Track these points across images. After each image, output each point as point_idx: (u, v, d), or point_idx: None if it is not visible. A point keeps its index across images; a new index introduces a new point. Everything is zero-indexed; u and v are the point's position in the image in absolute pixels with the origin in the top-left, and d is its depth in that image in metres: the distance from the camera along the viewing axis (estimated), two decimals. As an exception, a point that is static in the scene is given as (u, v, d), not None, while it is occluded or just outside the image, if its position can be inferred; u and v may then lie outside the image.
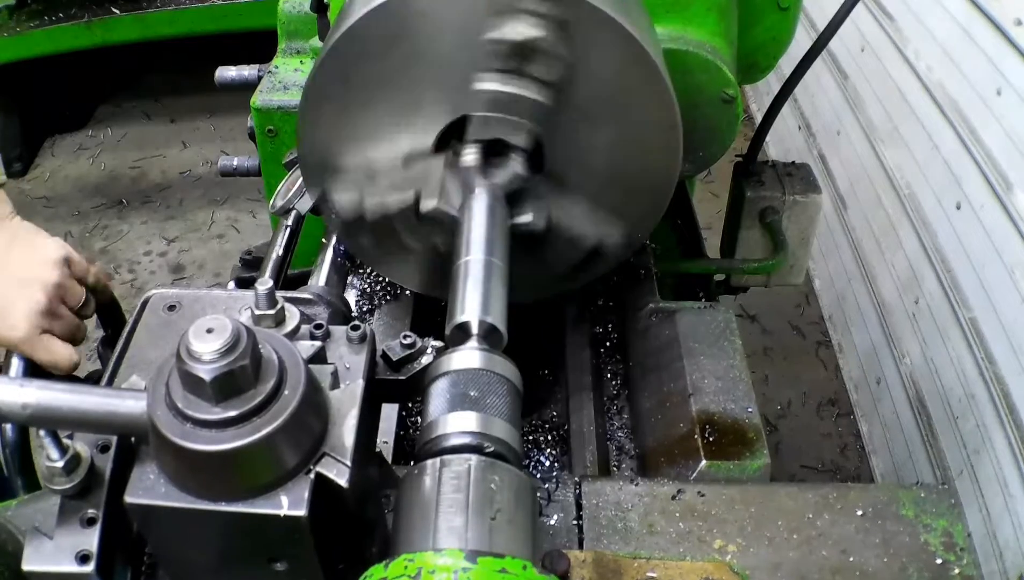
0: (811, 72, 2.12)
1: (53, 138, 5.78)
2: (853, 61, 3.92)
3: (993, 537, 2.63)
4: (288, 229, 1.72)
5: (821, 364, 4.12)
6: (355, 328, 1.07)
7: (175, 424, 0.86)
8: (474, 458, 0.98)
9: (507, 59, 1.28)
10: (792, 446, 3.73)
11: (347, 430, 0.95)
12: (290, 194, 1.71)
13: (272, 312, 1.05)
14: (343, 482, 0.91)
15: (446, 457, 0.98)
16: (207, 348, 0.84)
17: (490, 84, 1.29)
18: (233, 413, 0.86)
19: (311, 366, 0.96)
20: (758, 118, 2.69)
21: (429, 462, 0.98)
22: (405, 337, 1.14)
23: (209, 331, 0.85)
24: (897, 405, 3.40)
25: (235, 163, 2.43)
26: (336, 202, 1.45)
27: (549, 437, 1.74)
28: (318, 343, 1.03)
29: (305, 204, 1.68)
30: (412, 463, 1.02)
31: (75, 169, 5.54)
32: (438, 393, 1.07)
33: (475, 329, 1.15)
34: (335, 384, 1.00)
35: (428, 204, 1.40)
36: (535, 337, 1.59)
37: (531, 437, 1.74)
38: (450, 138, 1.41)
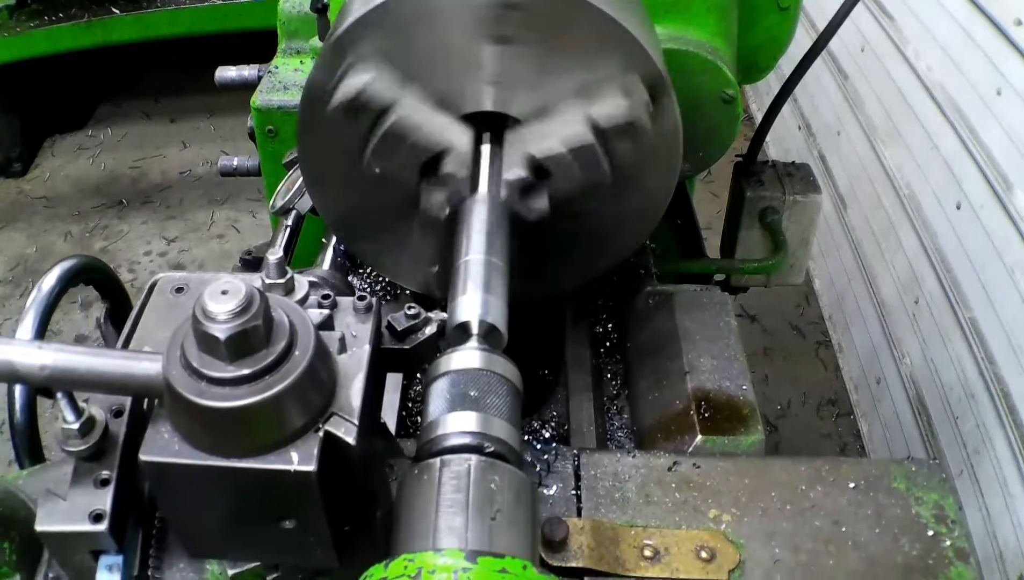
0: (811, 72, 2.12)
1: (53, 138, 5.78)
2: (853, 61, 3.92)
3: (993, 537, 2.63)
4: (288, 229, 1.73)
5: (821, 364, 4.12)
6: (361, 298, 1.11)
7: (190, 383, 0.89)
8: (474, 458, 0.98)
9: (361, 119, 1.29)
10: (792, 446, 3.73)
11: (354, 392, 0.98)
12: (290, 194, 1.71)
13: (282, 281, 1.08)
14: (351, 440, 0.94)
15: (446, 457, 0.98)
16: (222, 309, 0.88)
17: (371, 141, 1.31)
18: (246, 371, 0.89)
19: (320, 332, 0.99)
20: (758, 118, 2.69)
21: (429, 462, 0.98)
22: (409, 308, 1.17)
23: (224, 293, 0.89)
24: (897, 405, 3.40)
25: (235, 163, 2.43)
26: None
27: (549, 436, 1.74)
28: (326, 311, 1.07)
29: (305, 204, 1.68)
30: (412, 463, 1.02)
31: (75, 169, 5.54)
32: (438, 393, 1.07)
33: (475, 329, 1.14)
34: (342, 350, 1.03)
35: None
36: (535, 337, 1.59)
37: (531, 437, 1.74)
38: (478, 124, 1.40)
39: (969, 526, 2.73)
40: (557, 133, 1.34)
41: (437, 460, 0.98)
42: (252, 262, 2.21)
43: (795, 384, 4.00)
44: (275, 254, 1.08)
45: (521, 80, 1.34)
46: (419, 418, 1.48)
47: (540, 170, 1.35)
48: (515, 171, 1.35)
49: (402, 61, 1.31)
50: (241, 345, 0.89)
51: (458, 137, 1.35)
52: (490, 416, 1.04)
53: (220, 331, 0.88)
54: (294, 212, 1.71)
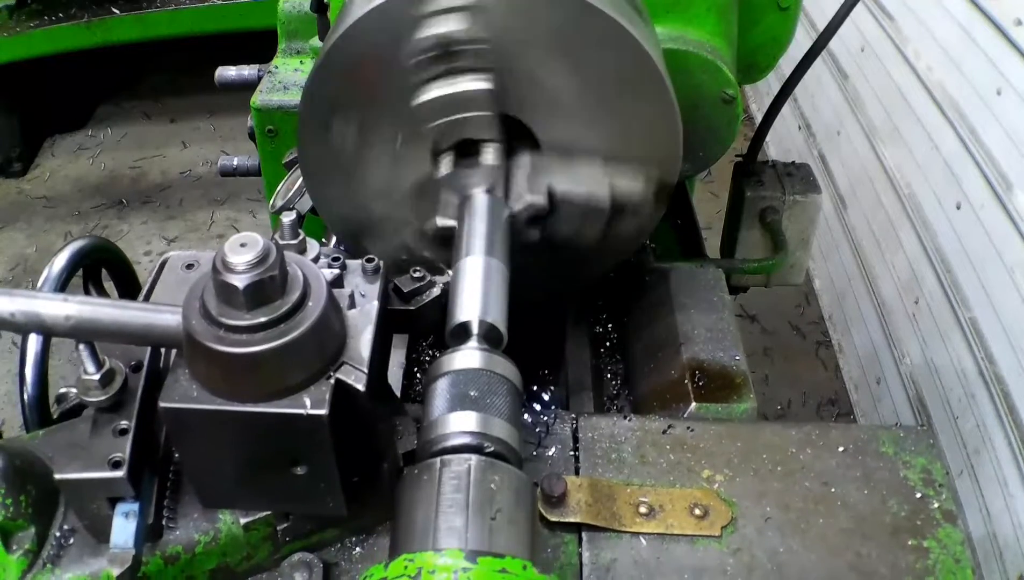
0: (811, 72, 2.12)
1: (53, 138, 5.78)
2: (853, 61, 3.92)
3: (993, 537, 2.63)
4: (288, 229, 1.72)
5: (821, 364, 4.12)
6: (370, 260, 1.15)
7: (209, 331, 0.94)
8: (474, 458, 0.98)
9: (433, 66, 1.29)
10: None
11: (364, 343, 1.03)
12: (290, 194, 1.71)
13: (295, 242, 1.13)
14: (360, 386, 0.98)
15: (446, 457, 0.99)
16: (241, 259, 0.93)
17: (426, 95, 1.31)
18: (263, 319, 0.94)
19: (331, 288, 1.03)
20: (758, 118, 2.69)
21: (429, 462, 0.98)
22: (415, 271, 1.22)
23: (243, 245, 0.94)
24: (897, 405, 3.40)
25: (235, 163, 2.43)
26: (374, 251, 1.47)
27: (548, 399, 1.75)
28: (336, 270, 1.12)
29: (305, 204, 1.68)
30: (412, 463, 1.02)
31: (75, 169, 5.54)
32: (438, 393, 1.08)
33: (475, 329, 1.15)
34: (352, 305, 1.08)
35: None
36: (535, 337, 1.60)
37: (531, 400, 1.74)
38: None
39: (969, 526, 2.74)
40: (581, 181, 1.40)
41: (437, 460, 0.98)
42: (252, 262, 2.21)
43: (795, 384, 4.00)
44: (289, 217, 1.13)
45: (568, 113, 1.36)
46: (421, 390, 1.51)
47: (549, 202, 1.41)
48: (535, 196, 1.39)
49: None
50: (258, 294, 0.93)
51: (499, 136, 1.38)
52: (490, 416, 1.04)
53: (239, 280, 0.92)
54: (294, 212, 1.70)
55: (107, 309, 0.98)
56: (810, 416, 3.89)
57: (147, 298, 1.17)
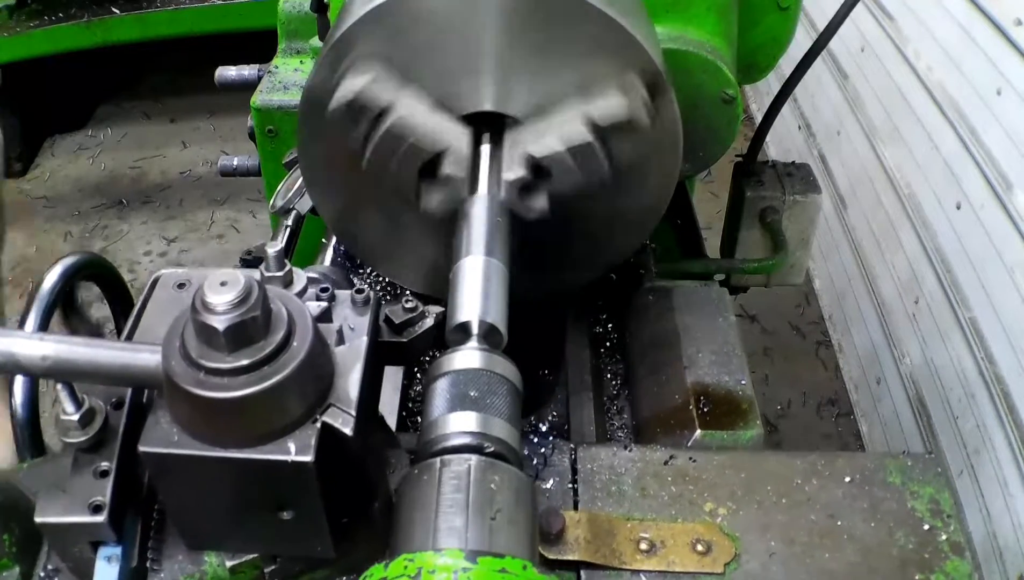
0: (811, 72, 2.12)
1: (53, 138, 5.78)
2: (853, 61, 3.92)
3: (993, 537, 2.63)
4: (288, 229, 1.73)
5: (821, 364, 4.12)
6: (359, 292, 1.11)
7: (189, 373, 0.90)
8: (474, 458, 0.98)
9: (361, 121, 1.30)
10: (792, 446, 3.73)
11: (352, 383, 0.99)
12: (290, 194, 1.71)
13: (281, 274, 1.09)
14: (348, 430, 0.95)
15: (446, 457, 0.98)
16: (221, 299, 0.89)
17: (368, 147, 1.32)
18: (245, 362, 0.90)
19: (318, 324, 0.99)
20: (758, 118, 2.69)
21: (429, 462, 0.98)
22: (407, 301, 1.18)
23: (223, 284, 0.90)
24: (897, 405, 3.40)
25: (235, 163, 2.43)
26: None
27: (546, 430, 1.74)
28: (324, 304, 1.08)
29: (305, 204, 1.68)
30: (412, 463, 1.02)
31: (75, 169, 5.54)
32: (438, 393, 1.07)
33: (475, 329, 1.14)
34: (340, 342, 1.04)
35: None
36: (535, 337, 1.59)
37: (529, 432, 1.74)
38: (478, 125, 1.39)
39: (969, 525, 2.73)
40: (556, 132, 1.34)
41: (437, 460, 0.98)
42: (252, 262, 2.21)
43: (795, 384, 4.00)
44: (274, 247, 1.09)
45: (519, 79, 1.34)
46: (419, 418, 1.48)
47: (540, 169, 1.35)
48: (514, 171, 1.35)
49: (402, 62, 1.31)
50: (239, 336, 0.89)
51: (457, 138, 1.35)
52: (490, 416, 1.04)
53: (219, 322, 0.88)
54: (294, 212, 1.71)
55: (84, 349, 0.95)
56: (810, 416, 3.89)
57: (137, 318, 1.15)
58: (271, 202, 1.75)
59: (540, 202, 1.38)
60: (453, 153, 1.34)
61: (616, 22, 1.28)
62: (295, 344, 0.93)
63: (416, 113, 1.32)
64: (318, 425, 0.94)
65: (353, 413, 0.96)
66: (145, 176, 5.48)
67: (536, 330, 1.63)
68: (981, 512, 2.70)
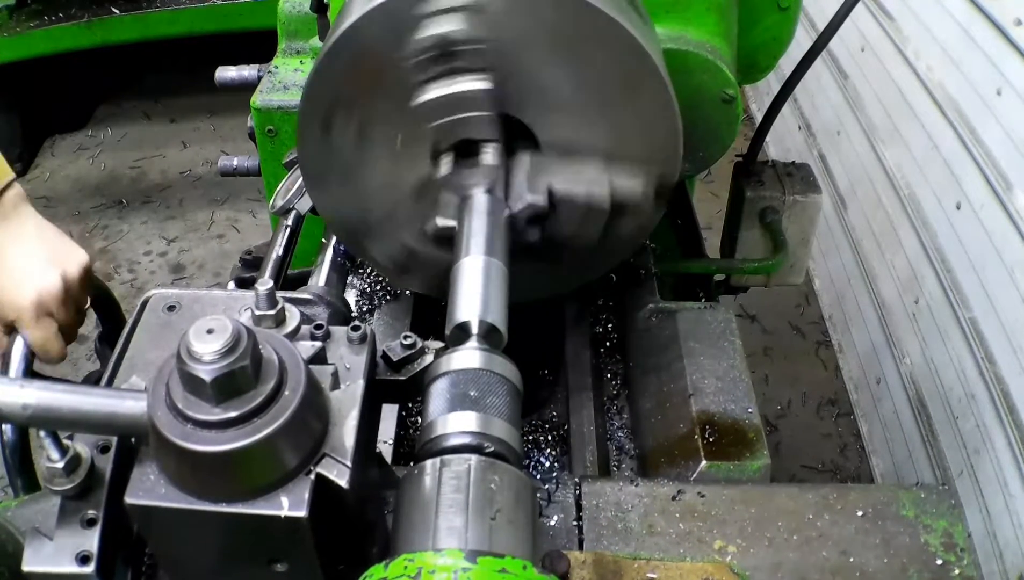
0: (811, 72, 2.11)
1: (53, 138, 5.78)
2: (853, 61, 3.92)
3: (993, 537, 2.63)
4: (288, 229, 1.72)
5: (821, 364, 4.12)
6: (355, 329, 1.07)
7: (175, 425, 0.86)
8: (474, 458, 0.98)
9: (432, 66, 1.29)
10: (792, 446, 3.73)
11: (347, 431, 0.95)
12: (290, 194, 1.71)
13: (272, 312, 1.05)
14: (343, 483, 0.91)
15: (446, 457, 0.98)
16: (208, 349, 0.84)
17: (426, 95, 1.31)
18: (233, 414, 0.86)
19: (311, 367, 0.95)
20: (758, 118, 2.69)
21: (429, 462, 0.98)
22: (405, 338, 1.15)
23: (210, 332, 0.85)
24: (897, 405, 3.40)
25: (235, 163, 2.43)
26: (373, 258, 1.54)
27: (549, 437, 1.74)
28: (318, 344, 1.03)
29: (305, 204, 1.68)
30: (412, 463, 1.02)
31: (75, 169, 5.54)
32: (438, 393, 1.07)
33: (475, 329, 1.15)
34: (335, 385, 1.00)
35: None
36: (535, 337, 1.59)
37: (531, 437, 1.74)
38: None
39: (969, 526, 2.73)
40: (583, 181, 1.39)
41: (437, 460, 0.98)
42: (252, 262, 2.21)
43: (795, 384, 4.00)
44: (265, 285, 1.04)
45: (568, 112, 1.35)
46: (414, 443, 1.49)
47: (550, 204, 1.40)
48: (536, 197, 1.38)
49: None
50: (228, 386, 0.85)
51: (498, 134, 1.37)
52: (490, 416, 1.04)
53: (205, 373, 0.84)
54: (294, 212, 1.71)
55: (67, 396, 0.91)
56: (810, 416, 3.89)
57: (126, 343, 1.12)
58: (271, 202, 1.74)
59: (533, 234, 1.43)
60: (495, 145, 1.37)
61: (677, 121, 1.35)
62: (287, 393, 0.88)
63: (483, 97, 1.32)
64: (312, 477, 0.90)
65: (349, 464, 0.92)
66: (145, 176, 5.48)
67: (536, 330, 1.64)
68: (981, 512, 2.70)
